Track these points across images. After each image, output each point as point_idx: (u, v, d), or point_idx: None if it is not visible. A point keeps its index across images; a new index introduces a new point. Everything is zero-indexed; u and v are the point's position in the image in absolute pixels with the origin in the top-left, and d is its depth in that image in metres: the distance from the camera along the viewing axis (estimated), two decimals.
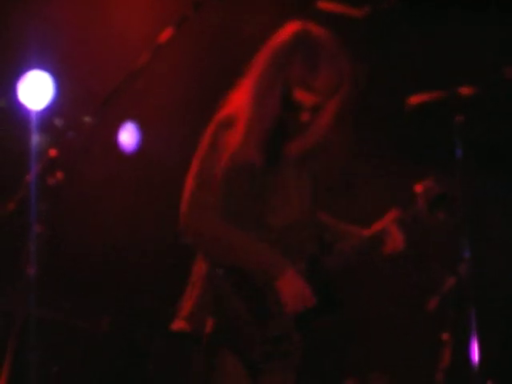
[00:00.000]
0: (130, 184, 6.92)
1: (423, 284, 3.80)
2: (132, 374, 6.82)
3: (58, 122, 6.28)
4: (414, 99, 3.27)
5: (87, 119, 2.97)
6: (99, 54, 6.17)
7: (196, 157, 3.53)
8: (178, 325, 3.56)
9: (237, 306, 3.38)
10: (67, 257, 6.54)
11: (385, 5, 5.98)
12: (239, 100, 3.50)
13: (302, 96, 3.34)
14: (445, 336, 3.74)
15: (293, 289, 3.37)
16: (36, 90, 6.11)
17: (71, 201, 6.02)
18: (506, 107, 5.94)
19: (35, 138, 5.95)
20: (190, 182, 3.47)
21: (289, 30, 3.47)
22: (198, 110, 6.69)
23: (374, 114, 6.28)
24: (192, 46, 6.00)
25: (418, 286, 4.15)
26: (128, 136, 6.91)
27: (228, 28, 6.40)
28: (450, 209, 3.53)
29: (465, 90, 3.17)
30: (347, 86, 3.41)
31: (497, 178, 6.51)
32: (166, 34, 3.10)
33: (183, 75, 6.43)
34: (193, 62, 6.42)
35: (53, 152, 2.92)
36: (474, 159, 3.42)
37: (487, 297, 3.66)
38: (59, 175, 2.92)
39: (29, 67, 6.12)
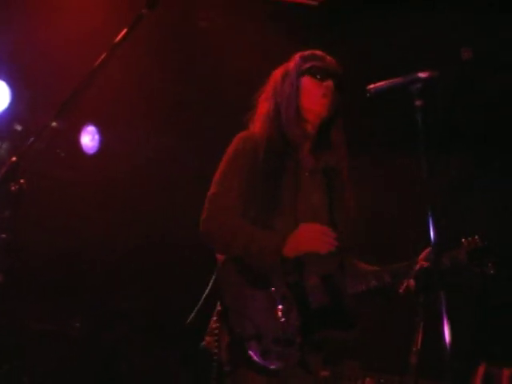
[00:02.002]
0: (93, 186, 6.89)
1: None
2: (105, 376, 6.80)
3: (18, 127, 6.22)
4: (374, 85, 3.28)
5: (54, 124, 2.94)
6: (54, 58, 6.11)
7: (219, 167, 3.80)
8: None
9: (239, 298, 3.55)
10: (34, 262, 6.49)
11: None
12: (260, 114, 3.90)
13: (309, 85, 3.79)
14: (416, 319, 3.76)
15: (302, 236, 3.57)
16: None
17: (35, 205, 5.97)
18: (464, 88, 5.98)
19: None
20: (212, 188, 3.74)
21: None
22: (157, 109, 6.71)
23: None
24: (147, 47, 5.97)
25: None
26: (89, 138, 6.87)
27: (182, 26, 6.39)
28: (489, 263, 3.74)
29: (423, 74, 3.17)
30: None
31: (458, 159, 6.57)
32: (121, 34, 3.08)
33: (141, 75, 6.41)
34: (150, 62, 6.39)
35: (14, 158, 2.89)
36: (434, 142, 3.44)
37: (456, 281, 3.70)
38: (22, 181, 2.89)
39: None
